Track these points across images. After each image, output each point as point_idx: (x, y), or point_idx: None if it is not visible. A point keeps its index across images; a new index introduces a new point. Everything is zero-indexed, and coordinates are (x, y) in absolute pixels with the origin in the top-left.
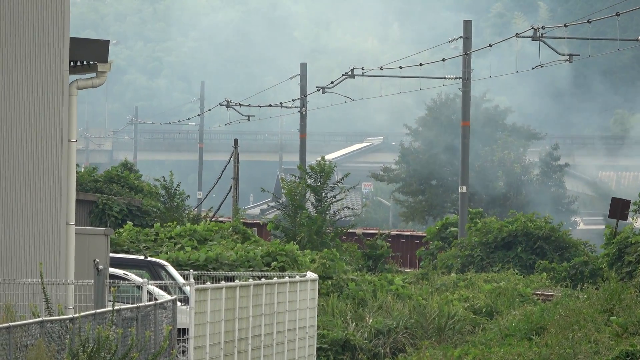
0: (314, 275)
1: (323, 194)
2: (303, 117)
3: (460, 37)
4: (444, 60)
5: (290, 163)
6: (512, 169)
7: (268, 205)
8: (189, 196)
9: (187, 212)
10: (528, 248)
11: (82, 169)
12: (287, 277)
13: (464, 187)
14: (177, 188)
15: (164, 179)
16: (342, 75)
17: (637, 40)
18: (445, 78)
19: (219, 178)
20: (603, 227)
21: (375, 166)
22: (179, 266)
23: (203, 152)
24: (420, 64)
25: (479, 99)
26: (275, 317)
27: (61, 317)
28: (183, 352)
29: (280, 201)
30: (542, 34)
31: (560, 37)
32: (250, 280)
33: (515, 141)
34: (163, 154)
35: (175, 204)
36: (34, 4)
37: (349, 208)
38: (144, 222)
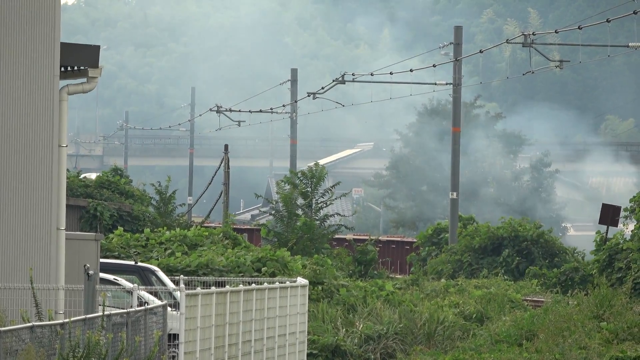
0: (305, 281)
1: (314, 200)
2: (293, 123)
3: (451, 43)
4: (434, 66)
5: (281, 169)
6: (502, 175)
7: (260, 211)
8: (183, 204)
9: (178, 217)
10: (514, 252)
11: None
12: (277, 283)
13: (455, 193)
14: (172, 195)
15: (159, 184)
16: (333, 80)
17: (627, 46)
18: (435, 84)
19: (210, 183)
20: (593, 233)
21: (365, 172)
22: (169, 272)
23: (193, 158)
24: (411, 70)
25: (470, 105)
26: (266, 322)
27: (51, 322)
28: (173, 357)
29: (274, 205)
30: (532, 40)
31: (551, 44)
32: (241, 285)
33: (505, 147)
34: (154, 159)
35: (169, 209)
36: (24, 9)
37: (340, 215)
38: (135, 227)
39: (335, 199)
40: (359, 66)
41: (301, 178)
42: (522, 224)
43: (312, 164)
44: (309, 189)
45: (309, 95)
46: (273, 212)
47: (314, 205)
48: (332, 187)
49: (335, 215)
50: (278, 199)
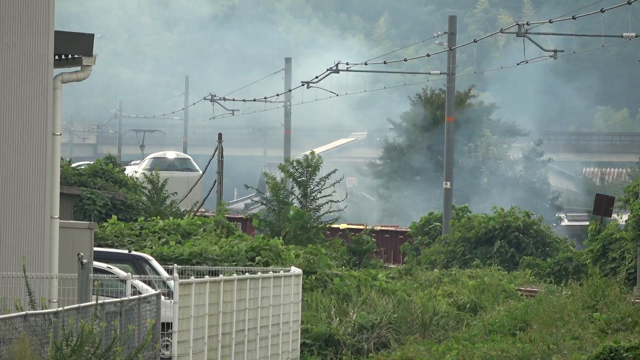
0: (298, 270)
1: (309, 189)
2: (288, 112)
3: (445, 33)
4: (428, 55)
5: (275, 158)
6: (495, 165)
7: (251, 200)
8: (175, 193)
9: (171, 205)
10: (505, 243)
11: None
12: (271, 272)
13: (448, 183)
14: (164, 183)
15: (151, 173)
16: (327, 70)
17: (621, 36)
18: (429, 73)
19: (203, 173)
20: (587, 223)
21: (359, 161)
22: (163, 260)
23: (187, 147)
24: (405, 60)
25: (464, 95)
26: (259, 311)
27: (45, 310)
28: (167, 346)
29: (265, 196)
30: (526, 30)
31: (545, 33)
32: (235, 274)
33: (499, 137)
34: (147, 148)
35: (161, 197)
36: None
37: (334, 201)
38: (128, 216)
39: (331, 185)
40: (353, 56)
41: (296, 167)
42: (511, 214)
43: (307, 152)
44: (304, 178)
45: (303, 85)
46: (264, 202)
47: (309, 194)
48: (327, 176)
49: (330, 202)
50: (267, 189)
